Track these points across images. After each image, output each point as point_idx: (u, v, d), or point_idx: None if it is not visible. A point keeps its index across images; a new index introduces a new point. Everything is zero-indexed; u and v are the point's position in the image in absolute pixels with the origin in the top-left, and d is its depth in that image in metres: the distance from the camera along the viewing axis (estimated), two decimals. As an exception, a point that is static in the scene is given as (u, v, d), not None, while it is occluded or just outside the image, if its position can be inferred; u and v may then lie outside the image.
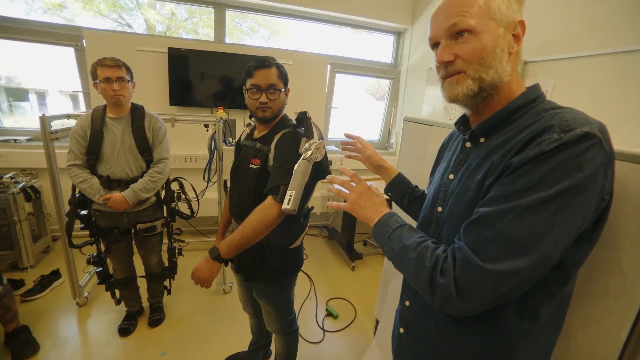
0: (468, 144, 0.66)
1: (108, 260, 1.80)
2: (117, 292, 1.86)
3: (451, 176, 0.67)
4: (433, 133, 1.33)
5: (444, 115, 2.78)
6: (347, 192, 0.74)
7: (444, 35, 0.58)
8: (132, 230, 1.74)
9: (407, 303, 0.76)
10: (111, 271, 1.83)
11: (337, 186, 0.76)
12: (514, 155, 0.52)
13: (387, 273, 1.68)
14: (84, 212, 1.67)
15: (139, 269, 1.90)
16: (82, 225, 1.68)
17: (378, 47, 3.66)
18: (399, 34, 3.55)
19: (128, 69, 1.58)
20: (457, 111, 2.62)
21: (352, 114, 3.76)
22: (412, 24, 3.32)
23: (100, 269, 1.77)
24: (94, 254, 1.74)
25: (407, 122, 1.53)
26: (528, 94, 0.58)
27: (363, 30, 3.46)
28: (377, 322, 1.79)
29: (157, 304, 2.01)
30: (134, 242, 1.81)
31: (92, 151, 1.56)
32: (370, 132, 3.88)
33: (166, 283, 2.00)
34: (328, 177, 0.80)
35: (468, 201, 0.59)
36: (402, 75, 3.52)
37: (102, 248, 1.74)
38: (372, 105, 3.96)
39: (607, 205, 0.52)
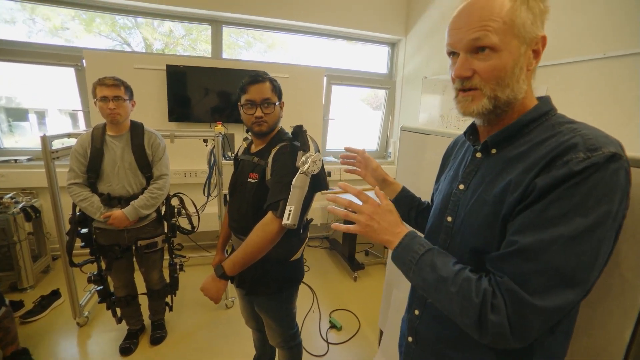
0: (479, 155, 0.65)
1: (109, 278, 1.79)
2: (118, 310, 1.84)
3: (461, 186, 0.67)
4: (430, 142, 1.35)
5: (440, 122, 2.81)
6: (356, 214, 0.66)
7: (464, 48, 0.56)
8: (133, 247, 1.73)
9: (416, 312, 0.75)
10: (112, 289, 1.82)
11: (344, 209, 0.69)
12: (537, 173, 0.51)
13: (389, 283, 1.67)
14: (84, 231, 1.67)
15: (140, 286, 1.89)
16: (83, 243, 1.67)
17: (373, 58, 3.73)
18: (393, 45, 3.62)
19: (127, 88, 1.61)
20: (454, 119, 2.66)
21: (350, 125, 3.80)
22: (405, 34, 3.40)
23: (101, 287, 1.76)
24: (95, 272, 1.74)
25: (403, 131, 1.55)
26: (541, 106, 0.58)
27: (357, 42, 3.54)
28: (381, 332, 1.77)
29: (159, 321, 1.99)
30: (134, 259, 1.80)
31: (92, 169, 1.57)
32: (368, 141, 3.91)
33: (168, 299, 1.98)
34: (330, 196, 0.71)
35: (485, 215, 0.58)
36: (398, 85, 3.57)
37: (103, 266, 1.73)
38: (369, 115, 4.01)
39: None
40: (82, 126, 2.86)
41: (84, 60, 2.60)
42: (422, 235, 0.66)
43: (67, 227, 1.70)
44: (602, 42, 1.65)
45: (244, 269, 1.09)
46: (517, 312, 0.48)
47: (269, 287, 1.25)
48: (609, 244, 0.49)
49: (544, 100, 0.60)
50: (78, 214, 1.65)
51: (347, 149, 1.03)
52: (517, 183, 0.53)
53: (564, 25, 1.80)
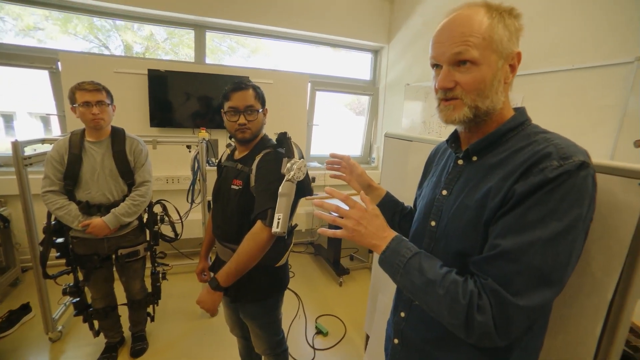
0: (460, 162, 0.69)
1: (86, 289, 1.72)
2: (96, 323, 1.77)
3: (444, 192, 0.69)
4: (413, 148, 1.39)
5: (422, 128, 2.90)
6: (343, 218, 0.67)
7: (447, 61, 0.59)
8: (113, 256, 1.67)
9: (402, 314, 0.77)
10: (89, 301, 1.74)
11: (333, 214, 0.69)
12: (515, 180, 0.55)
13: (375, 287, 1.69)
14: (60, 240, 1.60)
15: (120, 296, 1.82)
16: (58, 254, 1.60)
17: (356, 65, 3.80)
18: (376, 52, 3.71)
19: (108, 93, 1.56)
20: (436, 125, 2.74)
21: (334, 130, 3.84)
22: (388, 42, 3.49)
23: (78, 299, 1.68)
24: (71, 284, 1.66)
25: (387, 138, 1.59)
26: (518, 117, 0.63)
27: (341, 48, 3.59)
28: (367, 336, 1.78)
29: (139, 332, 1.92)
30: (114, 269, 1.74)
31: (70, 176, 1.51)
32: (352, 147, 3.96)
33: (149, 309, 1.92)
34: (317, 200, 0.72)
35: (468, 220, 0.61)
36: (381, 92, 3.65)
37: (80, 277, 1.66)
38: (352, 120, 4.06)
39: None
40: (55, 131, 2.74)
41: (59, 63, 2.51)
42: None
43: (41, 236, 1.62)
44: (571, 54, 1.77)
45: (237, 279, 1.10)
46: (502, 312, 0.51)
47: (254, 293, 1.25)
48: (580, 245, 0.53)
49: (521, 111, 0.64)
50: (53, 222, 1.58)
51: (332, 155, 1.03)
52: (497, 189, 0.57)
53: (537, 38, 1.91)
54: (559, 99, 1.81)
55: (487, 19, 0.57)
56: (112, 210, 1.55)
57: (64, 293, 1.66)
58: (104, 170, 1.56)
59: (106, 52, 2.89)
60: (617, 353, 0.68)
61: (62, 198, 1.52)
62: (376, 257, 0.66)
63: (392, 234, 0.65)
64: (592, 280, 0.69)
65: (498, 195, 0.56)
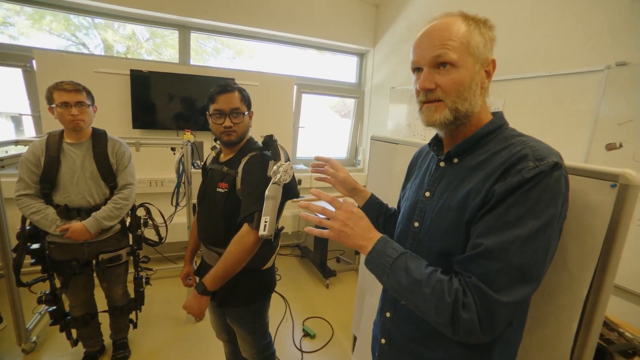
0: (442, 164, 0.71)
1: (63, 296, 1.65)
2: (74, 331, 1.70)
3: (427, 194, 0.71)
4: (399, 151, 1.41)
5: (407, 131, 2.95)
6: (329, 220, 0.67)
7: (427, 63, 0.62)
8: (94, 262, 1.61)
9: (388, 314, 0.78)
10: (67, 308, 1.67)
11: (320, 215, 0.70)
12: (495, 181, 0.57)
13: (362, 289, 1.71)
14: (35, 246, 1.53)
15: (101, 302, 1.76)
16: (33, 260, 1.53)
17: (342, 68, 3.83)
18: (361, 55, 3.75)
19: (89, 93, 1.52)
20: (420, 127, 2.80)
21: (320, 132, 3.85)
22: (373, 46, 3.54)
23: (54, 307, 1.61)
24: (47, 292, 1.59)
25: (373, 140, 1.61)
26: (495, 121, 0.66)
27: (327, 51, 3.62)
28: (355, 338, 1.79)
29: (121, 340, 1.86)
30: (95, 274, 1.68)
31: (46, 179, 1.45)
32: (338, 149, 3.99)
33: (132, 316, 1.86)
34: (303, 202, 0.72)
35: (450, 220, 0.63)
36: (367, 94, 3.70)
37: (57, 284, 1.59)
38: (338, 122, 4.09)
39: None
40: (28, 132, 2.62)
41: (33, 61, 2.41)
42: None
43: (14, 242, 1.54)
44: (549, 61, 1.86)
45: (224, 283, 1.09)
46: (486, 308, 0.53)
47: (241, 297, 1.24)
48: (555, 242, 0.56)
49: (499, 115, 0.68)
50: (28, 228, 1.51)
51: (317, 158, 1.04)
52: (477, 190, 0.60)
53: (518, 45, 1.99)
54: (538, 103, 1.89)
55: (464, 26, 0.61)
56: (93, 213, 1.50)
57: (40, 301, 1.58)
58: (84, 173, 1.50)
59: (84, 51, 2.80)
60: (592, 346, 0.71)
61: (38, 202, 1.45)
62: (363, 258, 0.66)
63: (378, 235, 0.66)
64: (569, 278, 0.73)
65: (478, 196, 0.59)
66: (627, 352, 0.92)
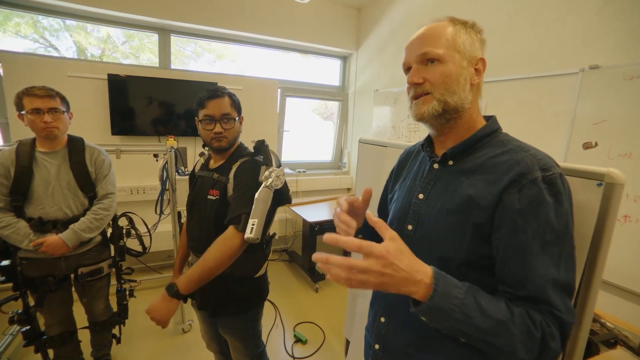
0: (436, 166, 0.71)
1: (38, 314, 1.55)
2: (51, 351, 1.60)
3: (421, 196, 0.70)
4: (388, 154, 1.42)
5: (392, 133, 2.98)
6: (363, 274, 0.50)
7: (415, 60, 0.65)
8: (72, 276, 1.53)
9: (382, 320, 0.76)
10: (43, 327, 1.57)
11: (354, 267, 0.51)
12: (504, 188, 0.58)
13: (353, 292, 1.70)
14: (5, 263, 1.43)
15: (80, 318, 1.66)
16: (3, 278, 1.43)
17: (326, 71, 3.84)
18: (345, 58, 3.77)
19: (63, 99, 1.44)
20: (405, 129, 2.84)
21: (303, 136, 3.84)
22: (357, 49, 3.57)
23: (28, 327, 1.51)
24: (19, 311, 1.49)
25: (362, 144, 1.61)
26: (491, 125, 0.67)
27: (310, 55, 3.62)
28: (347, 342, 1.78)
29: (104, 356, 1.77)
30: (73, 289, 1.59)
31: (18, 191, 1.36)
32: (322, 152, 3.98)
33: (115, 331, 1.78)
34: (330, 236, 0.52)
35: (451, 223, 0.63)
36: (351, 97, 3.72)
37: (31, 302, 1.50)
38: (320, 125, 4.10)
39: None
40: (-4, 141, 2.47)
41: None
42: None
43: (-18, 260, 1.44)
44: (528, 64, 1.93)
45: (199, 286, 1.01)
46: (565, 333, 0.55)
47: (234, 306, 1.21)
48: None
49: (493, 120, 0.69)
50: (-3, 243, 1.41)
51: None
52: (482, 195, 0.60)
53: (498, 49, 2.07)
54: (518, 104, 1.96)
55: (451, 27, 0.65)
56: (71, 226, 1.42)
57: (11, 322, 1.48)
58: (60, 183, 1.42)
59: (55, 54, 2.66)
60: (583, 341, 0.73)
61: (7, 215, 1.36)
62: (420, 305, 0.53)
63: (428, 271, 0.53)
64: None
65: (486, 200, 0.59)
66: (609, 342, 0.96)
